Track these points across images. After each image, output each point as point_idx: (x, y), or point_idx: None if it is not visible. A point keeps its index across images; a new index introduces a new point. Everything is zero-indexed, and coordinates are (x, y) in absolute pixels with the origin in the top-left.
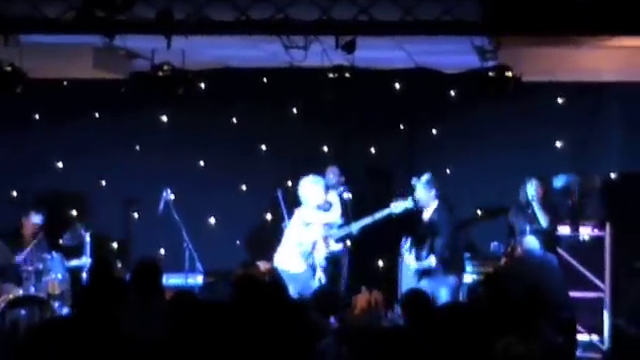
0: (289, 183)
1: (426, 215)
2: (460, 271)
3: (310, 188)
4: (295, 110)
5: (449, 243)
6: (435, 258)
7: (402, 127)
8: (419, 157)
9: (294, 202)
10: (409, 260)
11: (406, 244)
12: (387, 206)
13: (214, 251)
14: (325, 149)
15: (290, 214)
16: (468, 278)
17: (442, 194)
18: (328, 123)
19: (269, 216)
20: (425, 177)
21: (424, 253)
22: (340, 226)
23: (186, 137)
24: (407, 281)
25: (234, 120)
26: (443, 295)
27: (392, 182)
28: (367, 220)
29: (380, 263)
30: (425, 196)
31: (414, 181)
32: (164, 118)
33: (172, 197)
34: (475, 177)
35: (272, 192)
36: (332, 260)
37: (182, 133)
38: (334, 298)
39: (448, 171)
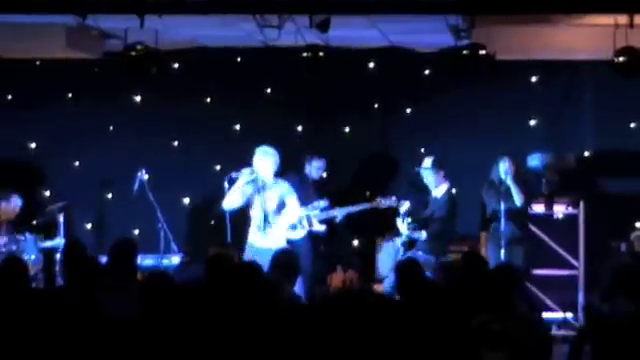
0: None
1: (436, 194)
2: (442, 252)
3: (258, 162)
4: (269, 90)
5: (444, 224)
6: (426, 233)
7: (376, 106)
8: (393, 137)
9: None
10: (400, 226)
11: (402, 207)
12: (374, 200)
13: (189, 232)
14: (299, 129)
15: None
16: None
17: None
18: (302, 103)
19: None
20: (429, 160)
21: (417, 225)
22: (324, 208)
23: (160, 117)
24: (386, 261)
25: (208, 100)
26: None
27: (366, 162)
28: (352, 209)
29: (356, 243)
30: (434, 178)
31: (418, 168)
32: (137, 98)
33: (146, 177)
34: (449, 157)
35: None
36: (312, 239)
37: (156, 113)
38: (292, 261)
39: (422, 150)
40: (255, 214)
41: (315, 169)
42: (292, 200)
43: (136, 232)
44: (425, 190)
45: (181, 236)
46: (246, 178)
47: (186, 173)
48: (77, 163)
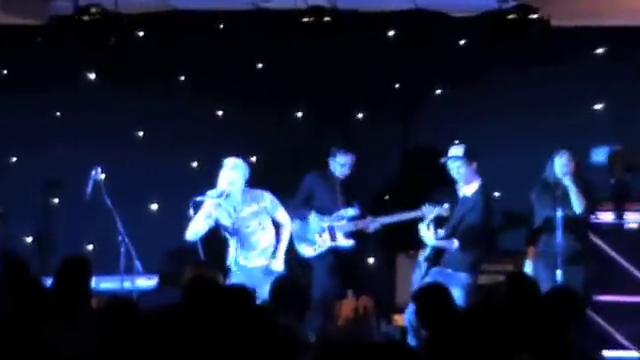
0: (253, 159)
1: (465, 192)
2: (478, 268)
3: (227, 176)
4: (260, 65)
5: (479, 230)
6: (458, 242)
7: (397, 87)
8: (418, 125)
9: (260, 182)
10: (426, 234)
11: (428, 212)
12: (418, 207)
13: (157, 246)
14: (299, 115)
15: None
16: (483, 278)
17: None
18: (303, 82)
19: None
20: (459, 149)
21: (444, 232)
22: (353, 217)
23: (121, 100)
24: (410, 284)
25: (182, 78)
26: (456, 297)
27: (384, 157)
28: (391, 219)
29: (372, 260)
30: (464, 172)
31: (445, 159)
32: (92, 75)
33: (102, 178)
34: (490, 150)
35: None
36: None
37: (115, 94)
38: (298, 294)
39: (456, 142)
40: (231, 243)
41: (339, 166)
42: (281, 214)
43: (89, 247)
44: (451, 187)
45: (148, 252)
46: (211, 202)
47: (154, 172)
48: (14, 159)
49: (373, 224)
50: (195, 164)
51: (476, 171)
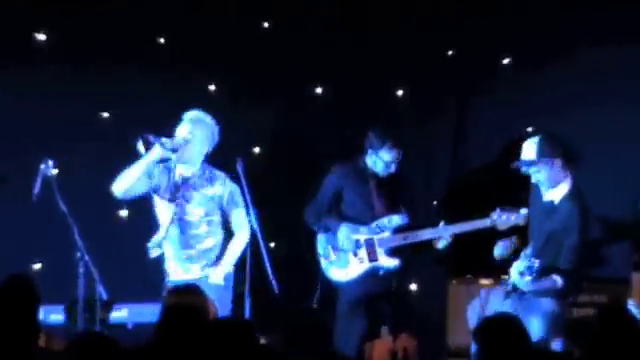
0: (256, 149)
1: (551, 196)
2: (568, 293)
3: (185, 132)
4: (267, 25)
5: (578, 251)
6: (561, 279)
7: (450, 53)
8: (477, 107)
9: (264, 180)
10: (517, 279)
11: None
12: (487, 215)
13: (128, 265)
14: (319, 91)
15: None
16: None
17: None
18: (323, 47)
19: None
20: (532, 145)
21: (529, 252)
22: (398, 228)
23: (80, 72)
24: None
25: (161, 41)
26: (535, 328)
27: (431, 148)
28: (462, 228)
29: (413, 288)
30: (547, 173)
31: (518, 162)
32: (42, 37)
33: (54, 174)
34: (576, 145)
35: (227, 164)
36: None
37: (72, 61)
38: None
39: (529, 130)
40: (163, 220)
41: (382, 164)
42: (238, 215)
43: (36, 267)
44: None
45: (115, 273)
46: (160, 152)
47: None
48: None
49: (442, 235)
50: None
51: (563, 167)
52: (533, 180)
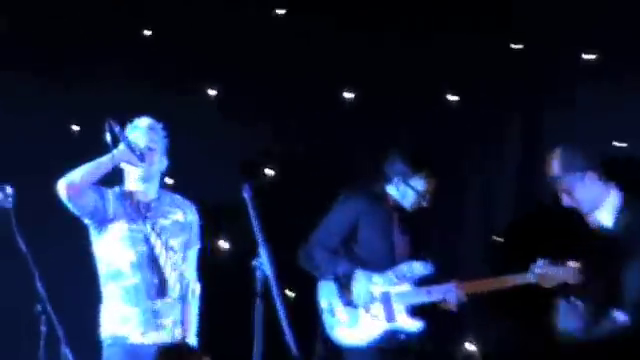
0: (267, 171)
1: (600, 219)
2: None
3: (139, 139)
4: (282, 12)
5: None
6: (628, 316)
7: (520, 47)
8: (551, 121)
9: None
10: (562, 319)
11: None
12: (526, 268)
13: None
14: (348, 96)
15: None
16: None
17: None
18: (351, 42)
19: (222, 241)
20: (563, 154)
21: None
22: (421, 280)
23: (44, 68)
24: None
25: (147, 32)
26: None
27: (488, 176)
28: (491, 285)
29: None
30: (589, 188)
31: (554, 175)
32: None
33: (12, 201)
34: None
35: (229, 189)
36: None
37: (35, 58)
38: None
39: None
40: (116, 262)
41: (412, 194)
42: (195, 257)
43: None
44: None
45: (85, 330)
46: (126, 155)
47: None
48: None
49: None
50: (168, 179)
51: (601, 180)
52: (570, 202)
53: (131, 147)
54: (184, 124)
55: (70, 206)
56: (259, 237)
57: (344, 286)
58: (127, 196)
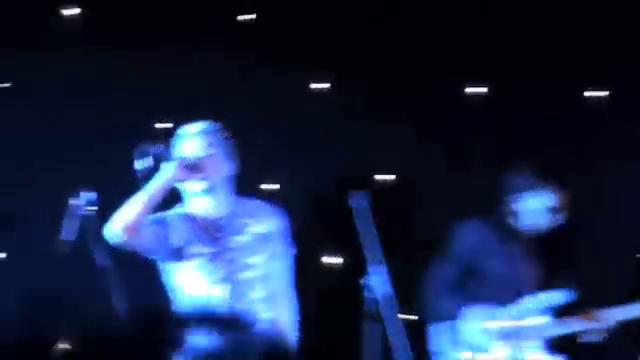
0: (384, 178)
1: None
2: None
3: (190, 149)
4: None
5: None
6: None
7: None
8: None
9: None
10: None
11: None
12: None
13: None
14: (475, 92)
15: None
16: None
17: None
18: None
19: (328, 256)
20: None
21: None
22: (559, 311)
23: (127, 56)
24: None
25: (251, 17)
26: None
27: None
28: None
29: None
30: None
31: None
32: (71, 12)
33: (93, 211)
34: None
35: (338, 197)
36: None
37: (118, 45)
38: None
39: None
40: (192, 292)
41: (538, 211)
42: (282, 266)
43: (63, 346)
44: None
45: None
46: (176, 173)
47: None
48: None
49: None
50: (274, 185)
51: None
52: None
53: (183, 162)
54: (287, 122)
55: (127, 249)
56: (368, 252)
57: (462, 328)
58: (191, 217)
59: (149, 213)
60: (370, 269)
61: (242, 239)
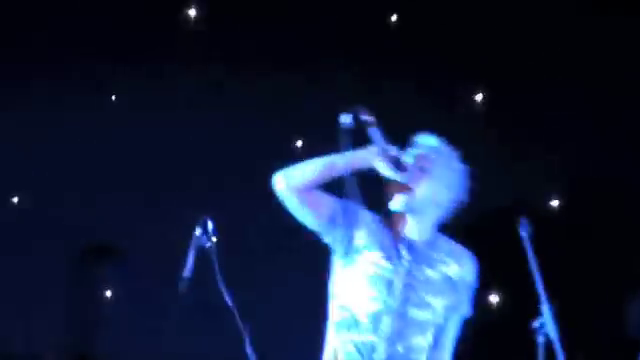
0: (553, 203)
1: None
2: None
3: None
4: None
5: None
6: None
7: None
8: None
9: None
10: None
11: None
12: None
13: None
14: (479, 99)
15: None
16: None
17: None
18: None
19: (493, 294)
20: None
21: None
22: None
23: (260, 65)
24: None
25: (392, 19)
26: None
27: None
28: None
29: None
30: None
31: None
32: (192, 12)
33: (216, 241)
34: None
35: (500, 227)
36: None
37: (243, 54)
38: None
39: None
40: (355, 306)
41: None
42: (455, 323)
43: None
44: None
45: None
46: (376, 158)
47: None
48: None
49: None
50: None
51: None
52: None
53: (384, 150)
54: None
55: (291, 207)
56: (541, 289)
57: None
58: (388, 225)
59: (318, 181)
60: (543, 308)
61: (431, 274)
